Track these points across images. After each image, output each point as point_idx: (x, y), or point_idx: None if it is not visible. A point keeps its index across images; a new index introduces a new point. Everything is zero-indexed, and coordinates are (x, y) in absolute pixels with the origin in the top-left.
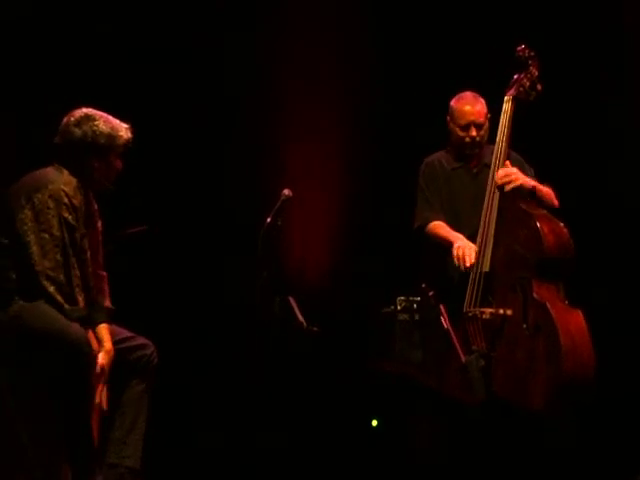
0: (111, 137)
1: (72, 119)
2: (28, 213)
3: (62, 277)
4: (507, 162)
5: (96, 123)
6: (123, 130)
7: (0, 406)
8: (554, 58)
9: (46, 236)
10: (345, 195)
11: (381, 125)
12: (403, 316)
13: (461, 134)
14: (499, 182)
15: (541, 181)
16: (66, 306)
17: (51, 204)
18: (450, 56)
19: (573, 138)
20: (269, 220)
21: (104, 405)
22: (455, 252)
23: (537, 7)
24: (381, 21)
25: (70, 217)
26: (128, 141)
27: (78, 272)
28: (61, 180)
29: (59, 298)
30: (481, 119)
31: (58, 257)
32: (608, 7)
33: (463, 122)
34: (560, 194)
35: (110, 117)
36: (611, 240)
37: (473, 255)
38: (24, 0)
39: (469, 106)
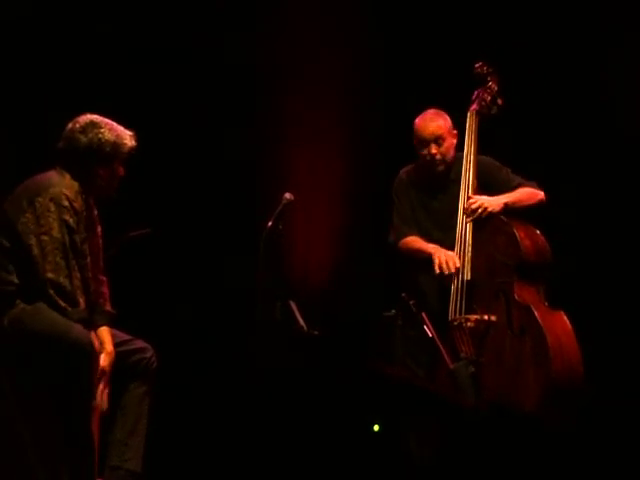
0: (116, 145)
1: (77, 125)
2: (29, 216)
3: (63, 279)
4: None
5: (102, 131)
6: (128, 138)
7: (1, 406)
8: (554, 58)
9: (46, 239)
10: (346, 197)
11: (381, 125)
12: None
13: (422, 152)
14: (468, 220)
15: (523, 176)
16: (68, 309)
17: (52, 207)
18: (450, 56)
19: (572, 138)
20: (270, 224)
21: (104, 406)
22: (437, 260)
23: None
24: (381, 21)
25: (71, 220)
26: (132, 149)
27: (79, 274)
28: (63, 184)
29: (60, 301)
30: (439, 132)
31: (58, 259)
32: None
33: (421, 139)
34: (560, 194)
35: (114, 124)
36: (609, 241)
37: (456, 259)
38: (24, 0)
39: (426, 124)
